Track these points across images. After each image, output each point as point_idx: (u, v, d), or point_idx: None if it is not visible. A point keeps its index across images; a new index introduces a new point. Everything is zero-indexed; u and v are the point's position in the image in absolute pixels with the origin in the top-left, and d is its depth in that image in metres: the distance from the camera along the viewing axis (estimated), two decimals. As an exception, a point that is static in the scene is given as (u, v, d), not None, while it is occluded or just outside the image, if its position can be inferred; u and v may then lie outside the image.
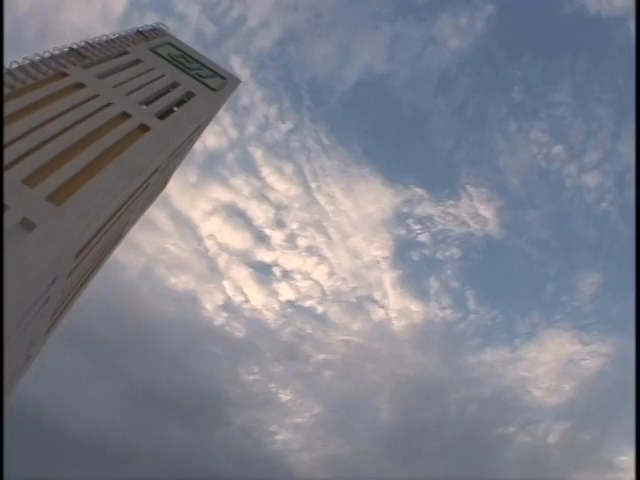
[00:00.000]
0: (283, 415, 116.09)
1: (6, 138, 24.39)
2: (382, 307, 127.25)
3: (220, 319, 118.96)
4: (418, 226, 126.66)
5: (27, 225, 21.53)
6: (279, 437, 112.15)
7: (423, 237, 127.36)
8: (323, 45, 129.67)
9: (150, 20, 51.91)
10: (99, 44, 34.63)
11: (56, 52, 31.17)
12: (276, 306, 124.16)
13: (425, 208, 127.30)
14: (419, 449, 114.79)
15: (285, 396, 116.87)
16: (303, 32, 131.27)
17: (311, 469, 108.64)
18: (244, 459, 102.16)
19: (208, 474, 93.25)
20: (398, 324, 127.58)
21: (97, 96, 30.36)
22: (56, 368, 76.67)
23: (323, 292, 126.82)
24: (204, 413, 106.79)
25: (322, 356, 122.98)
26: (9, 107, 26.06)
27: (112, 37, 36.28)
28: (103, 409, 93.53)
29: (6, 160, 23.53)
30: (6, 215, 21.26)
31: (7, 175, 22.95)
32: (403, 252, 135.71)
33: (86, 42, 33.70)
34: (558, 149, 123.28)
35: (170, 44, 40.16)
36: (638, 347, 18.92)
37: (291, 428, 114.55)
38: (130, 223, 38.46)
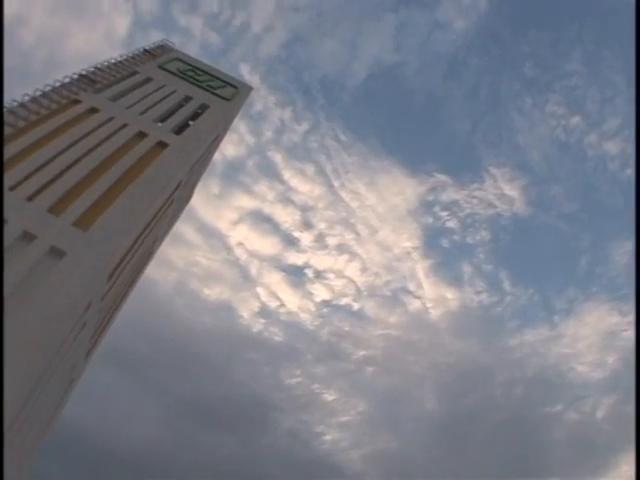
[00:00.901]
0: (329, 415, 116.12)
1: (27, 169, 24.46)
2: (417, 297, 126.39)
3: (258, 326, 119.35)
4: (445, 213, 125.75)
5: (56, 253, 21.42)
6: (327, 437, 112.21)
7: (451, 223, 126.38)
8: (329, 42, 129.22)
9: (155, 38, 52.02)
10: (108, 67, 34.57)
11: (66, 80, 31.13)
12: (312, 307, 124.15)
13: (450, 194, 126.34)
14: (467, 436, 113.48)
15: (329, 396, 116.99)
16: (308, 32, 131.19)
17: (361, 466, 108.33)
18: (294, 462, 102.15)
19: (261, 478, 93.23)
20: (435, 313, 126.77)
21: (112, 119, 30.24)
22: (99, 389, 77.19)
23: (357, 289, 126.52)
24: (250, 420, 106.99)
25: (362, 352, 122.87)
26: (27, 139, 26.11)
27: (120, 59, 36.24)
28: (149, 424, 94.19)
29: (29, 191, 23.54)
30: (34, 245, 21.27)
31: (32, 205, 23.03)
32: (433, 240, 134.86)
33: (95, 67, 33.66)
34: (576, 120, 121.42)
35: (178, 59, 40.04)
36: (638, 347, 18.74)
37: (338, 427, 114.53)
38: (159, 240, 38.28)
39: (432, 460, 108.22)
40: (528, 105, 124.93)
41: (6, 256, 20.11)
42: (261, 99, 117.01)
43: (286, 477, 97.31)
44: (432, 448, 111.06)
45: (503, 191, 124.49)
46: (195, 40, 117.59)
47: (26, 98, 28.09)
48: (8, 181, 23.40)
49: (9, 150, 24.93)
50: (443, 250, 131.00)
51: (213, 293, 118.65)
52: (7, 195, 22.67)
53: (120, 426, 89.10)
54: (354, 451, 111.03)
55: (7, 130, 25.84)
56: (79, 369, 29.51)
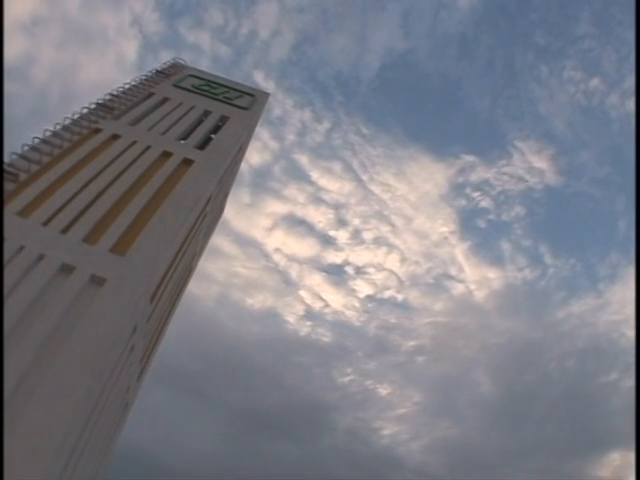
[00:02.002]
0: (385, 409, 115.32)
1: (57, 203, 24.42)
2: (460, 281, 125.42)
3: (304, 329, 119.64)
4: (477, 193, 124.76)
5: (97, 281, 21.23)
6: (385, 432, 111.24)
7: (484, 203, 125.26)
8: (338, 38, 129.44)
9: (165, 58, 52.24)
10: (123, 93, 34.46)
11: (84, 111, 31.06)
12: (356, 304, 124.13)
13: (479, 174, 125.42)
14: (525, 414, 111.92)
15: (384, 390, 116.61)
16: (315, 31, 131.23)
17: (422, 457, 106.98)
18: (355, 460, 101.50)
19: (327, 475, 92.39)
20: (480, 295, 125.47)
21: (135, 143, 30.08)
22: (155, 409, 77.56)
23: (399, 279, 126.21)
24: (308, 423, 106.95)
25: (412, 343, 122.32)
26: (53, 174, 26.10)
27: (134, 83, 36.13)
28: (208, 439, 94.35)
29: (62, 224, 23.47)
30: (74, 276, 21.13)
31: (67, 238, 22.94)
32: (468, 222, 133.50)
33: (110, 94, 33.56)
34: (595, 82, 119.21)
35: (192, 76, 39.84)
36: (638, 346, 18.51)
37: (395, 420, 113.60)
38: (197, 255, 38.06)
39: (492, 443, 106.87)
40: (544, 74, 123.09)
41: (48, 289, 20.19)
42: (279, 104, 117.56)
43: (349, 476, 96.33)
44: (491, 430, 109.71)
45: (532, 164, 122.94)
46: (205, 54, 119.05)
47: (47, 134, 28.04)
48: (40, 217, 23.43)
49: (37, 187, 24.98)
50: (480, 231, 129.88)
51: (256, 302, 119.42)
52: (41, 230, 22.79)
53: (179, 443, 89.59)
54: (414, 443, 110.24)
55: (33, 167, 25.85)
56: (133, 392, 29.39)
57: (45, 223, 23.27)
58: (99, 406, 20.42)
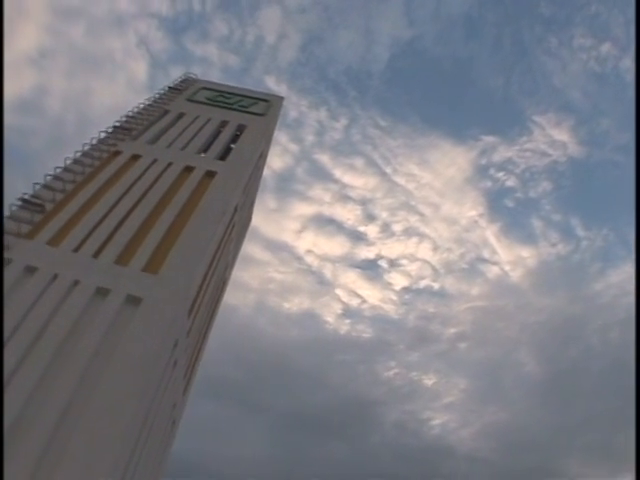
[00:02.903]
0: (432, 399, 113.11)
1: (86, 229, 24.46)
2: (494, 263, 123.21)
3: (344, 327, 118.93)
4: (501, 173, 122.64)
5: (133, 301, 21.12)
6: (435, 422, 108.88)
7: (510, 182, 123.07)
8: (344, 34, 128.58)
9: (175, 74, 52.22)
10: (139, 113, 34.44)
11: (102, 135, 31.08)
12: (393, 297, 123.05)
13: (501, 153, 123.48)
14: (572, 390, 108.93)
15: (429, 380, 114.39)
16: (320, 29, 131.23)
17: (473, 443, 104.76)
18: (406, 453, 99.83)
19: (377, 478, 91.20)
20: (515, 275, 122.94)
21: (155, 161, 30.02)
22: (203, 421, 77.31)
23: (433, 268, 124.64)
24: (356, 421, 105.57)
25: (452, 330, 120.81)
26: (79, 200, 26.21)
27: (148, 102, 36.11)
28: (258, 446, 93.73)
29: (93, 248, 23.47)
30: (110, 298, 21.08)
31: (99, 262, 22.95)
32: (496, 203, 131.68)
33: (126, 116, 33.58)
34: (606, 48, 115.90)
35: (204, 88, 39.71)
36: (638, 346, 18.32)
37: (443, 410, 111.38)
38: (230, 266, 37.93)
39: (542, 422, 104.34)
40: (554, 45, 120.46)
41: (85, 314, 20.21)
42: (294, 106, 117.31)
43: (402, 470, 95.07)
44: (539, 410, 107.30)
45: (553, 137, 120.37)
46: (215, 66, 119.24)
47: (68, 162, 28.09)
48: (70, 244, 23.50)
49: (64, 215, 25.06)
50: (509, 210, 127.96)
51: (293, 305, 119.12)
52: (72, 257, 22.86)
53: (230, 453, 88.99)
54: (464, 430, 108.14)
55: (57, 196, 25.91)
56: (179, 407, 29.36)
57: (76, 249, 23.33)
58: (147, 426, 20.32)
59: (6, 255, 21.92)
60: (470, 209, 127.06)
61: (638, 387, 17.55)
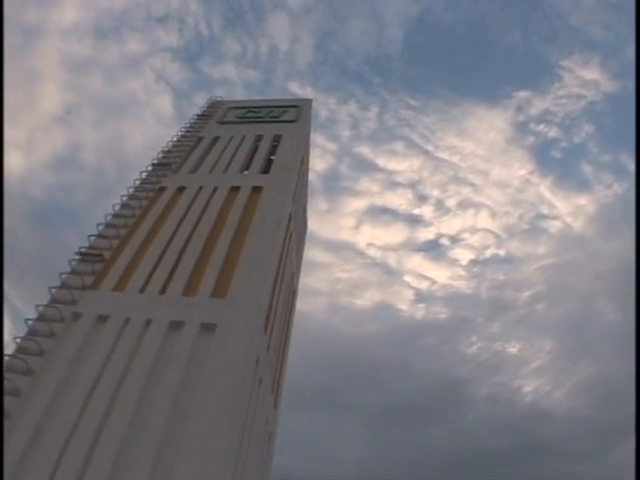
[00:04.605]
0: (520, 367, 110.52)
1: (147, 269, 24.35)
2: (555, 218, 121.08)
3: (419, 312, 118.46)
4: (541, 125, 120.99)
5: (208, 328, 20.79)
6: (526, 389, 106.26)
7: (552, 133, 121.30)
8: (353, 24, 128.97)
9: (200, 100, 52.58)
10: (174, 146, 34.49)
11: (144, 175, 31.13)
12: (462, 272, 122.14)
13: (537, 106, 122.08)
14: None
15: (513, 348, 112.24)
16: (329, 25, 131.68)
17: (569, 403, 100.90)
18: (504, 425, 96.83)
19: (479, 454, 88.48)
20: (577, 225, 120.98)
21: (201, 188, 29.85)
22: (300, 431, 76.53)
23: (496, 235, 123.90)
24: (447, 403, 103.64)
25: (527, 293, 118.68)
26: (134, 243, 26.18)
27: (181, 134, 36.15)
28: (356, 445, 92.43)
29: (158, 285, 23.31)
30: (185, 330, 20.84)
31: (166, 297, 22.74)
32: (543, 157, 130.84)
33: (162, 151, 33.63)
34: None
35: (232, 108, 39.56)
36: (638, 346, 18.08)
37: (533, 375, 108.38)
38: (296, 274, 37.49)
39: (632, 369, 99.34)
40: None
41: (164, 349, 20.03)
42: (323, 105, 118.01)
43: (502, 442, 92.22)
44: (628, 357, 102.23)
45: (584, 78, 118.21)
46: (236, 84, 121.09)
47: (117, 208, 28.14)
48: (135, 286, 23.42)
49: (124, 259, 25.03)
50: (557, 161, 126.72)
51: (365, 300, 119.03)
52: (140, 298, 22.75)
53: (331, 457, 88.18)
54: (557, 392, 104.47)
55: (113, 243, 25.92)
56: (273, 422, 29.12)
57: (142, 290, 23.22)
58: (244, 445, 19.95)
59: (75, 309, 22.04)
60: (519, 169, 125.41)
61: (638, 387, 17.34)
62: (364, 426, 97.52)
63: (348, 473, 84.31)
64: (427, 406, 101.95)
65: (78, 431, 17.39)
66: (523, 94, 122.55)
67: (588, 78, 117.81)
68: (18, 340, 20.49)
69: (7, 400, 18.09)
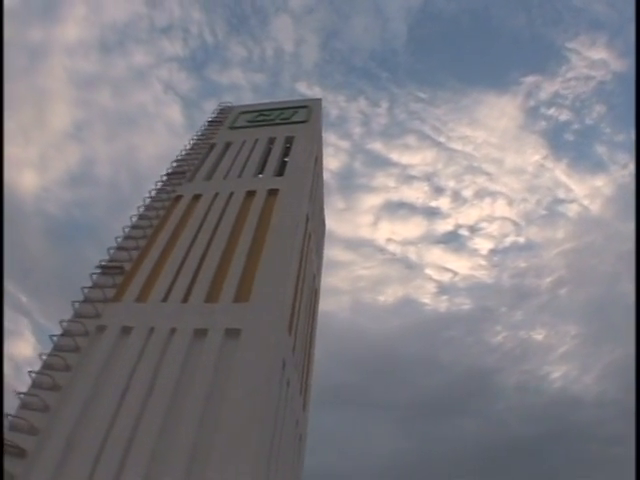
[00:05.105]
0: (546, 353, 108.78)
1: (168, 278, 24.24)
2: (572, 201, 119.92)
3: (442, 304, 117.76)
4: (552, 109, 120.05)
5: (232, 333, 20.63)
6: (554, 375, 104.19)
7: (563, 116, 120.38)
8: (356, 21, 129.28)
9: (210, 107, 52.45)
10: (187, 155, 34.43)
11: (159, 185, 31.10)
12: (482, 262, 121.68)
13: (546, 90, 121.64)
14: None
15: (538, 335, 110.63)
16: (333, 24, 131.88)
17: (598, 387, 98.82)
18: (534, 413, 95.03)
19: (510, 443, 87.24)
20: (595, 207, 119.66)
21: (217, 194, 29.72)
22: (329, 432, 76.02)
23: (514, 223, 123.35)
24: (476, 394, 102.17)
25: (548, 279, 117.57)
26: (154, 253, 26.09)
27: (193, 141, 36.09)
28: (388, 441, 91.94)
29: (180, 295, 23.23)
30: (210, 336, 20.68)
31: (189, 305, 22.63)
32: (556, 140, 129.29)
33: (175, 161, 33.59)
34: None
35: (242, 112, 39.39)
36: (638, 346, 17.72)
37: (560, 361, 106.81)
38: (317, 274, 37.23)
39: None
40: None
41: (190, 358, 19.94)
42: (332, 104, 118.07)
43: (530, 430, 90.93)
44: None
45: (591, 58, 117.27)
46: (244, 89, 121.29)
47: (134, 219, 28.12)
48: (158, 296, 23.36)
49: (144, 270, 25.00)
50: (570, 144, 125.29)
51: (388, 296, 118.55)
52: (163, 307, 22.64)
53: (363, 455, 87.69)
54: (586, 376, 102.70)
55: (133, 254, 25.91)
56: (303, 423, 28.98)
57: (164, 299, 23.16)
58: (275, 447, 19.83)
59: (99, 322, 22.04)
60: (533, 154, 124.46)
61: (638, 387, 17.00)
62: (393, 422, 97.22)
63: (380, 469, 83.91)
64: (455, 398, 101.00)
65: (109, 443, 17.37)
66: (532, 79, 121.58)
67: (596, 58, 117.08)
68: (44, 357, 20.52)
69: (36, 417, 18.16)
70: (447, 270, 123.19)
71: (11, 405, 18.61)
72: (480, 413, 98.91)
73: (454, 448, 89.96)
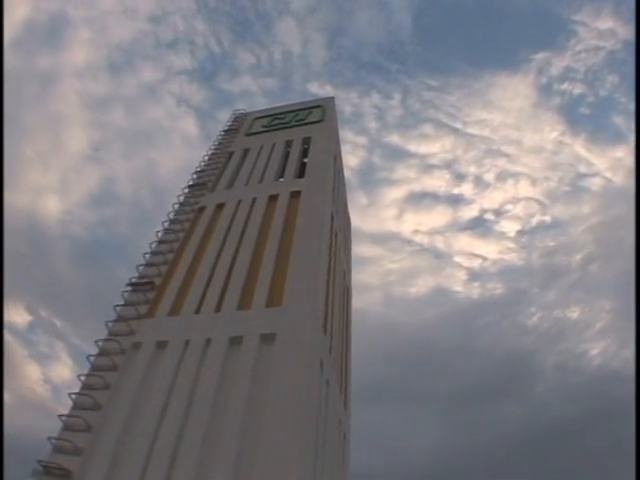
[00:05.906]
0: (582, 331, 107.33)
1: (199, 289, 24.18)
2: (594, 175, 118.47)
3: (475, 290, 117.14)
4: (565, 84, 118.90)
5: (268, 338, 20.41)
6: (593, 352, 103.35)
7: (577, 89, 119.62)
8: (360, 16, 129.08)
9: (224, 116, 52.54)
10: (207, 165, 34.49)
11: (181, 199, 31.12)
12: (510, 244, 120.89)
13: (557, 65, 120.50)
14: None
15: (573, 313, 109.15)
16: (336, 21, 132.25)
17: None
18: (576, 392, 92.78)
19: (554, 424, 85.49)
20: (618, 179, 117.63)
21: (240, 202, 29.62)
22: (373, 429, 75.12)
23: (539, 202, 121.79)
24: (515, 377, 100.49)
25: (578, 256, 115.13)
26: (183, 266, 25.99)
27: (211, 151, 36.14)
28: (432, 434, 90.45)
29: (212, 305, 23.10)
30: (245, 344, 20.50)
31: (222, 314, 22.50)
32: (573, 115, 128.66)
33: (195, 172, 33.64)
34: None
35: (257, 118, 39.39)
36: (638, 346, 18.01)
37: (597, 337, 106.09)
38: (347, 272, 36.91)
39: None
40: None
41: (227, 366, 19.82)
42: (345, 101, 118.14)
43: (573, 410, 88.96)
44: None
45: (599, 28, 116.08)
46: (256, 95, 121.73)
47: (160, 234, 28.14)
48: (190, 308, 23.26)
49: (175, 283, 24.96)
50: (587, 117, 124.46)
51: (419, 287, 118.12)
52: (196, 318, 22.57)
53: (409, 450, 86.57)
54: (625, 351, 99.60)
55: (162, 269, 25.92)
56: (345, 422, 28.78)
57: (197, 311, 23.05)
58: (319, 449, 19.63)
59: (134, 339, 22.08)
60: (550, 131, 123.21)
61: (638, 390, 17.10)
62: (434, 412, 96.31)
63: (423, 461, 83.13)
64: (495, 384, 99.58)
65: (153, 458, 17.30)
66: (542, 55, 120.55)
67: (603, 28, 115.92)
68: (82, 377, 20.55)
69: (79, 437, 18.18)
70: (476, 256, 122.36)
71: (54, 429, 18.71)
72: (521, 397, 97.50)
73: (497, 434, 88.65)
